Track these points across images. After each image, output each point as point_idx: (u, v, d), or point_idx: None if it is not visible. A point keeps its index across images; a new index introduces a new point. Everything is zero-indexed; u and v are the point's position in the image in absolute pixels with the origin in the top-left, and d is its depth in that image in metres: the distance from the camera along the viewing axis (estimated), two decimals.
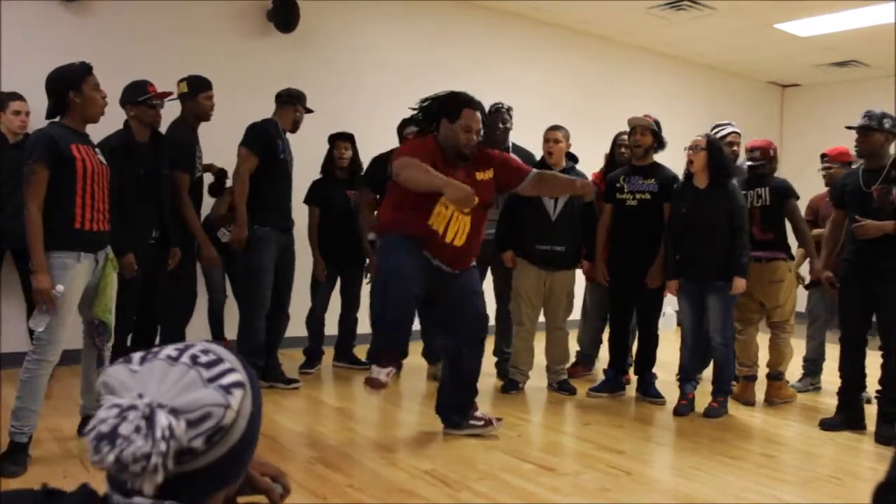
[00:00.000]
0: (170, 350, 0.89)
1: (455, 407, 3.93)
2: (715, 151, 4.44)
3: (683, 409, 4.57)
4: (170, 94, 4.19)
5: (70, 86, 3.24)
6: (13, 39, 4.76)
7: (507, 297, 5.13)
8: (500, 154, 3.97)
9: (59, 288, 3.14)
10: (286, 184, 4.67)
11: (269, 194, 4.52)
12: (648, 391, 4.86)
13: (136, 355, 0.89)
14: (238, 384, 0.88)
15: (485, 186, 3.75)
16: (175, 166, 4.24)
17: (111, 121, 4.01)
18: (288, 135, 4.71)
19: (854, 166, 4.52)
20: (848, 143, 5.31)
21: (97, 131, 3.82)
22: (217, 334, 5.30)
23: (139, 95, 4.01)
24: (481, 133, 3.77)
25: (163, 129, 4.29)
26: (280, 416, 4.15)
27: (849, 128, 4.28)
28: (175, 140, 4.28)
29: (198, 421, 0.83)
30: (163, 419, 0.80)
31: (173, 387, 0.84)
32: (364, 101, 6.29)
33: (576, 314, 5.27)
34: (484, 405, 4.65)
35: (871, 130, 4.13)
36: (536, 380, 5.07)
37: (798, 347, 5.52)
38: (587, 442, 3.98)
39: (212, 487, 0.89)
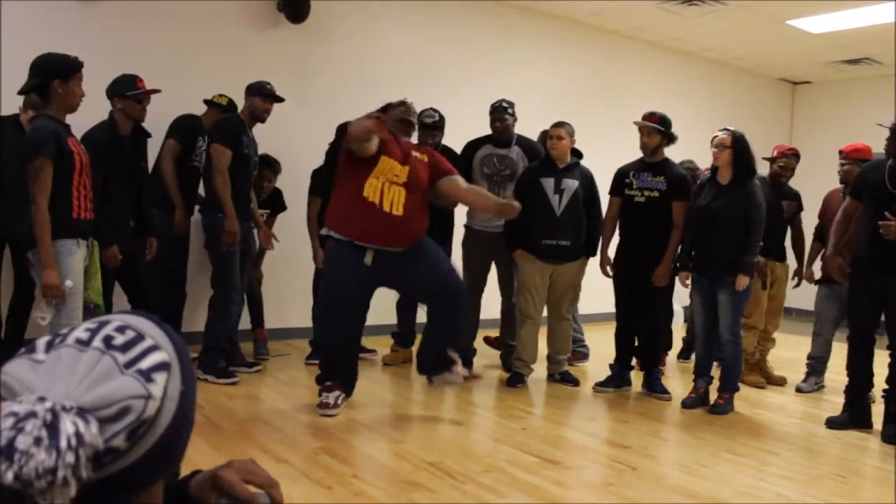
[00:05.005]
0: (80, 332, 0.77)
1: (433, 363, 4.18)
2: (739, 149, 4.43)
3: (691, 401, 4.59)
4: (158, 90, 4.24)
5: (58, 75, 3.30)
6: (21, 28, 4.76)
7: (510, 291, 5.15)
8: (434, 152, 4.36)
9: (69, 283, 3.28)
10: (248, 177, 4.73)
11: (233, 186, 4.54)
12: (654, 387, 4.86)
13: (42, 341, 0.77)
14: (161, 365, 0.77)
15: (419, 165, 4.09)
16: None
17: (94, 111, 4.03)
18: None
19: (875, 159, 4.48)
20: (861, 139, 5.31)
21: (79, 121, 3.82)
22: (256, 323, 5.35)
23: (128, 90, 4.05)
24: (413, 114, 4.23)
25: (149, 123, 4.40)
26: (285, 406, 4.17)
27: (881, 125, 4.23)
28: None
29: (115, 417, 0.72)
30: (68, 426, 0.68)
31: (83, 380, 0.73)
32: (374, 93, 6.26)
33: (584, 307, 5.27)
34: (488, 397, 4.66)
35: None
36: (537, 371, 5.08)
37: (804, 345, 5.51)
38: (592, 436, 3.99)
39: (142, 484, 0.79)
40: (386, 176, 3.91)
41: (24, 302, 4.27)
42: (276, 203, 5.38)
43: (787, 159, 5.29)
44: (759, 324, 5.30)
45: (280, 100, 4.77)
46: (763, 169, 5.07)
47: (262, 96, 4.64)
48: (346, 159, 3.98)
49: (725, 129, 4.98)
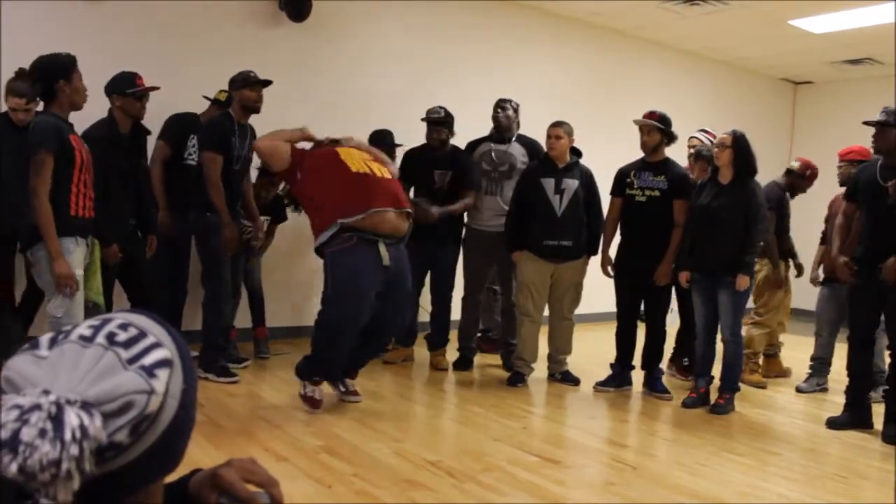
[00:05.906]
0: (83, 329, 0.78)
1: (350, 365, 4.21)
2: (740, 148, 4.44)
3: (692, 401, 4.59)
4: (157, 87, 4.21)
5: (61, 74, 3.35)
6: (21, 28, 4.75)
7: (510, 291, 5.15)
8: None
9: (79, 272, 3.33)
10: (238, 176, 4.62)
11: (225, 188, 4.45)
12: (655, 386, 4.86)
13: (45, 338, 0.78)
14: (164, 362, 0.77)
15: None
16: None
17: (93, 109, 4.01)
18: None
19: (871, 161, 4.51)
20: (861, 140, 5.31)
21: (78, 118, 3.83)
22: (258, 322, 5.32)
23: (127, 87, 4.04)
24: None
25: (151, 121, 4.42)
26: (286, 404, 4.17)
27: (866, 123, 4.26)
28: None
29: (118, 412, 0.72)
30: (73, 418, 0.69)
31: (87, 374, 0.73)
32: (376, 92, 6.28)
33: (584, 307, 5.26)
34: (488, 397, 4.66)
35: (888, 126, 4.10)
36: (537, 370, 5.08)
37: (807, 346, 5.51)
38: (592, 435, 3.99)
39: (143, 482, 0.79)
40: (362, 157, 4.05)
41: (35, 296, 4.27)
42: (277, 212, 5.29)
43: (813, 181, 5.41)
44: (772, 323, 5.34)
45: (268, 83, 4.60)
46: (768, 172, 5.10)
47: (250, 86, 4.50)
48: (302, 180, 4.02)
49: (702, 131, 5.19)
